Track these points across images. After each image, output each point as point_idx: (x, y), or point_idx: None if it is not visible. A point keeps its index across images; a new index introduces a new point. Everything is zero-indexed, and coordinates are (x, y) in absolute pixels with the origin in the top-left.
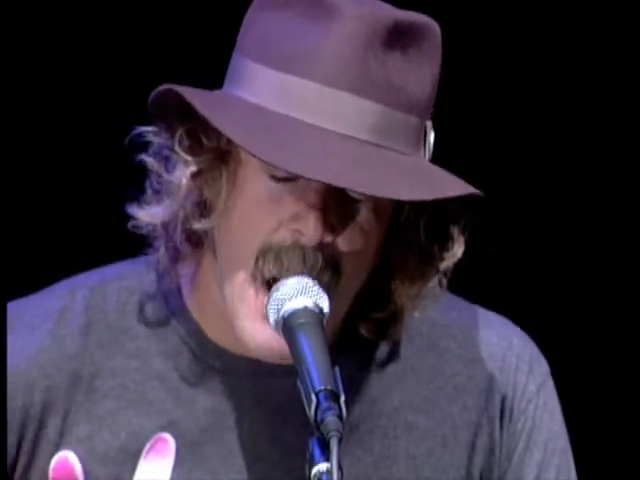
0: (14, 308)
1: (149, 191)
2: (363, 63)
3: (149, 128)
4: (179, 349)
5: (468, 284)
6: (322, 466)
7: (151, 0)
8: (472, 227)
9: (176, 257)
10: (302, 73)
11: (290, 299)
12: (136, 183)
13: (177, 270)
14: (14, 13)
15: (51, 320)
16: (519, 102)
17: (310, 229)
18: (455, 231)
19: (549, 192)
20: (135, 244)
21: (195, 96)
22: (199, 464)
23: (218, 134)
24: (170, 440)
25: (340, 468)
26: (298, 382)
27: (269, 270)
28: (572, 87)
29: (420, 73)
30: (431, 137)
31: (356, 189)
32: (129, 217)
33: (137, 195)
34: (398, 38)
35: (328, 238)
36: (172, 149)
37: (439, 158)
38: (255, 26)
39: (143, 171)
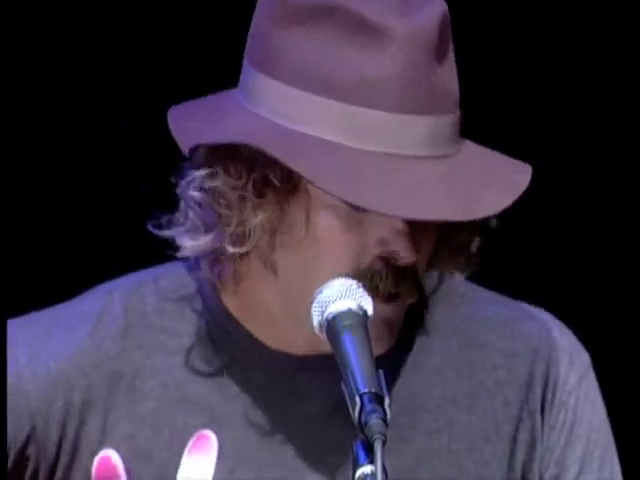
0: (50, 313)
1: (196, 221)
2: (426, 82)
3: (202, 172)
4: (221, 347)
5: (505, 280)
6: (366, 468)
7: (151, 0)
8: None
9: (217, 270)
10: (367, 103)
11: (334, 301)
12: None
13: (215, 273)
14: (14, 13)
15: (90, 322)
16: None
17: (405, 254)
18: None
19: (587, 182)
20: (135, 246)
21: (275, 147)
22: (242, 460)
23: (288, 173)
24: (212, 437)
25: (385, 470)
26: (342, 384)
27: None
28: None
29: (453, 65)
30: None
31: (456, 219)
32: (127, 219)
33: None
34: (441, 42)
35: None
36: (235, 190)
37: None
38: (289, 50)
39: (146, 176)
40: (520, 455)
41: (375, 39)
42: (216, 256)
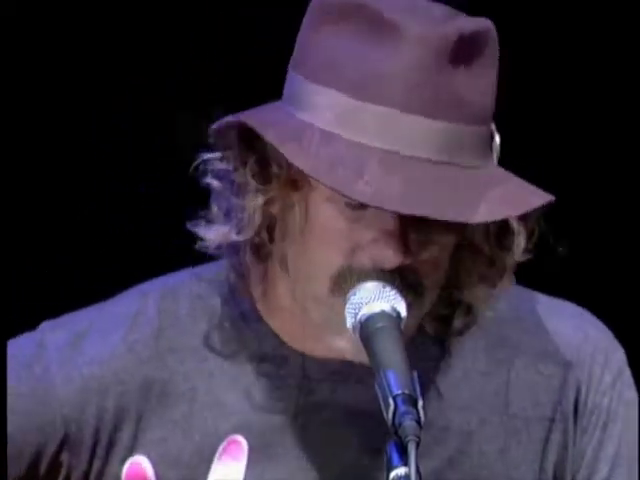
0: (84, 316)
1: (215, 211)
2: (433, 85)
3: (214, 155)
4: (252, 352)
5: (541, 274)
6: (400, 470)
7: (152, 1)
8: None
9: (243, 268)
10: (373, 98)
11: (367, 303)
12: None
13: (246, 278)
14: (14, 13)
15: (124, 326)
16: (590, 96)
17: (390, 255)
18: (519, 228)
19: (620, 184)
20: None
21: (269, 130)
22: (272, 465)
23: (288, 162)
24: (243, 442)
25: (418, 472)
26: (376, 386)
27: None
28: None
29: (484, 81)
30: (497, 139)
31: (437, 217)
32: (129, 218)
33: (193, 212)
34: (463, 52)
35: (407, 261)
36: (240, 175)
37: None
38: (316, 48)
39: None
40: (552, 457)
41: (391, 37)
42: (241, 260)
